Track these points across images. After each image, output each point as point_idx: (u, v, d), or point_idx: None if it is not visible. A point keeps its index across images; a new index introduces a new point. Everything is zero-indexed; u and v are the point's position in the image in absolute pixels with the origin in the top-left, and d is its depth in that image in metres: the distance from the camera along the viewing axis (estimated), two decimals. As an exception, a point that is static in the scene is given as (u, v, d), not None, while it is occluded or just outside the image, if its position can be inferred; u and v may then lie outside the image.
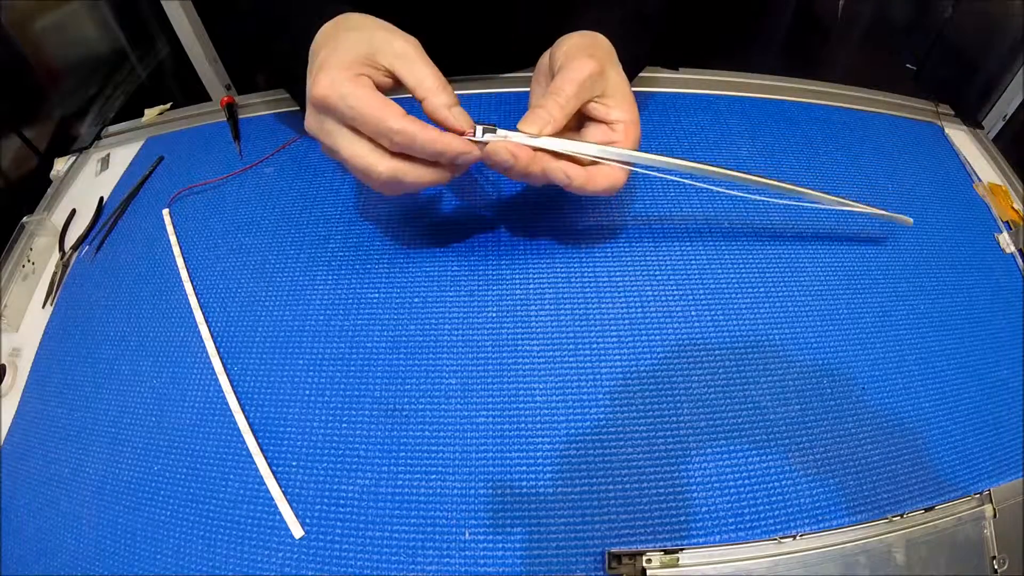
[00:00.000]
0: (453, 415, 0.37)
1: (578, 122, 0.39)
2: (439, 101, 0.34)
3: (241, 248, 0.46)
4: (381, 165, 0.34)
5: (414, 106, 0.35)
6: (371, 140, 0.34)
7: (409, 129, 0.32)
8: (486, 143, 0.34)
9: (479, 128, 0.35)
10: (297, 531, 0.33)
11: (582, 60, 0.36)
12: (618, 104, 0.37)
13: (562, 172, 0.35)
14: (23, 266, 0.48)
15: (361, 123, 0.33)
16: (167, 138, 0.57)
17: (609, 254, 0.43)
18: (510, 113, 0.53)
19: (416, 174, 0.34)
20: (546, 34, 0.41)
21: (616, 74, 0.38)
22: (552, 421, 0.36)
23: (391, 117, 0.32)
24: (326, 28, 0.38)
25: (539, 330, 0.40)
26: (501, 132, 0.35)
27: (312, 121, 0.35)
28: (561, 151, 0.35)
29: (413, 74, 0.34)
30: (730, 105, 0.55)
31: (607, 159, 0.36)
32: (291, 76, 0.45)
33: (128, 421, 0.39)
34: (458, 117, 0.34)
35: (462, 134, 0.34)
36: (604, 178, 0.36)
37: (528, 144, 0.34)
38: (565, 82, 0.36)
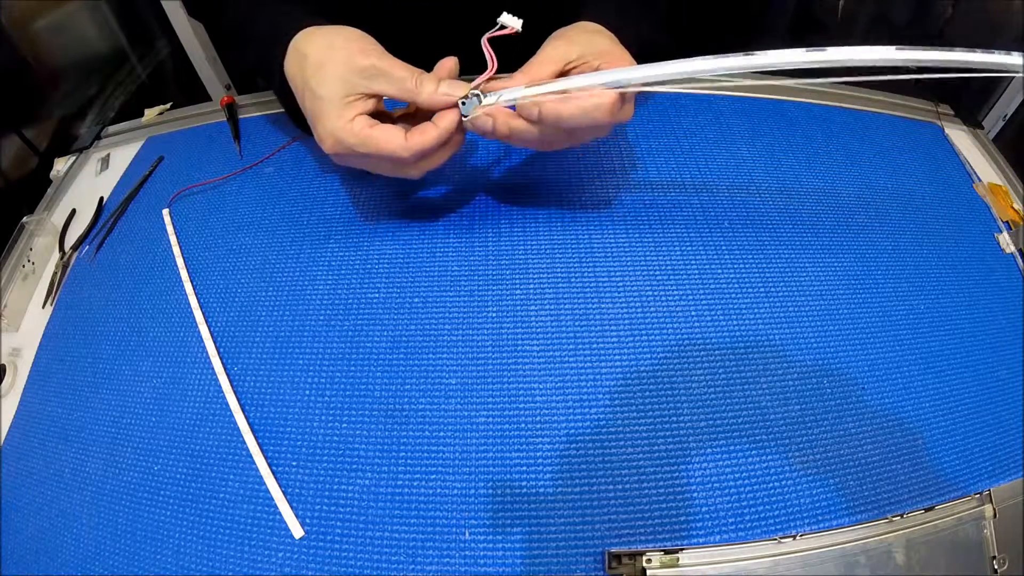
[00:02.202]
0: (453, 415, 0.37)
1: None
2: (427, 91, 0.36)
3: (241, 248, 0.46)
4: (412, 171, 0.39)
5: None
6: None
7: (416, 145, 0.36)
8: (467, 97, 0.36)
9: (480, 95, 0.37)
10: (297, 531, 0.33)
11: (546, 43, 0.39)
12: (592, 55, 0.38)
13: (533, 104, 0.36)
14: (23, 266, 0.48)
15: (378, 158, 0.37)
16: (167, 138, 0.57)
17: (609, 254, 0.43)
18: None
19: (439, 158, 0.39)
20: (545, 33, 0.41)
21: (586, 35, 0.39)
22: (552, 421, 0.36)
23: (398, 148, 0.36)
24: (291, 63, 0.39)
25: (539, 330, 0.40)
26: (490, 97, 0.37)
27: (337, 160, 0.39)
28: (543, 93, 0.36)
29: (391, 85, 0.37)
30: (730, 105, 0.55)
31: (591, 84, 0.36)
32: (268, 82, 0.46)
33: (128, 421, 0.39)
34: (450, 90, 0.37)
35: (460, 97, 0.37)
36: (581, 97, 0.35)
37: (512, 100, 0.36)
38: (533, 58, 0.38)
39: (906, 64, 0.31)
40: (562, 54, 0.38)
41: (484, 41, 0.36)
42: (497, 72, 0.36)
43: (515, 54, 0.50)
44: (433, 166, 0.39)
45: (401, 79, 0.36)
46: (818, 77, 0.59)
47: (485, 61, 0.36)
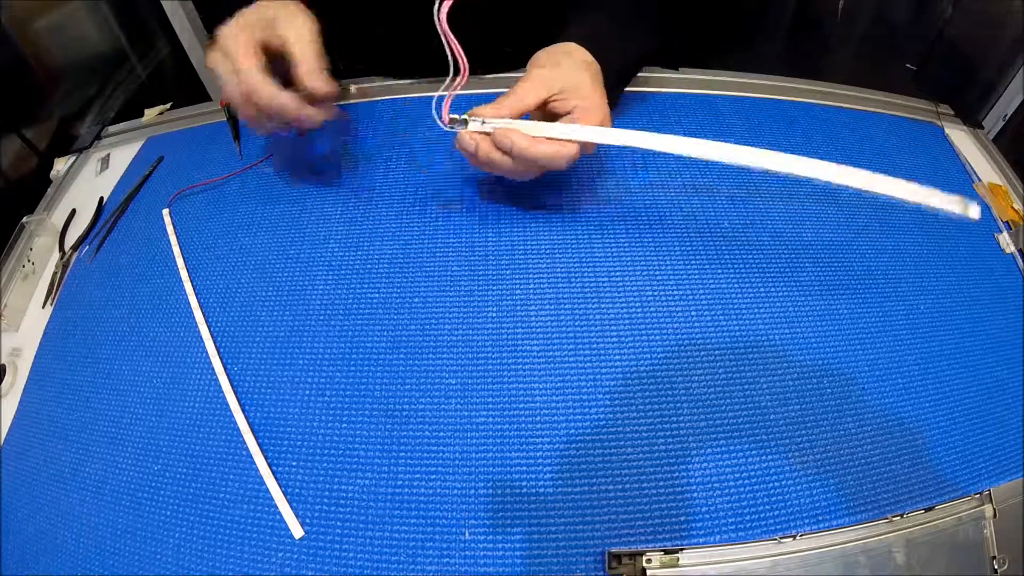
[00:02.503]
0: (453, 415, 0.37)
1: None
2: (307, 68, 0.40)
3: (241, 248, 0.46)
4: (242, 107, 0.41)
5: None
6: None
7: (253, 80, 0.39)
8: (459, 121, 0.40)
9: (468, 120, 0.40)
10: (297, 531, 0.33)
11: (530, 69, 0.42)
12: (572, 94, 0.41)
13: (508, 138, 0.39)
14: (23, 266, 0.48)
15: (226, 56, 0.40)
16: (167, 138, 0.57)
17: (609, 254, 0.43)
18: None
19: (260, 118, 0.42)
20: (532, 37, 0.42)
21: (571, 67, 0.42)
22: (552, 421, 0.36)
23: (242, 60, 0.39)
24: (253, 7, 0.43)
25: (539, 330, 0.40)
26: (490, 123, 0.39)
27: (210, 60, 0.42)
28: (520, 129, 0.39)
29: (299, 48, 0.41)
30: (730, 105, 0.55)
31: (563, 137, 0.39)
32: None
33: (128, 421, 0.39)
34: (323, 81, 0.41)
35: (327, 94, 0.41)
36: (548, 144, 0.39)
37: (493, 129, 0.39)
38: (520, 84, 0.41)
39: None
40: (547, 83, 0.40)
41: (444, 27, 0.34)
42: (468, 75, 0.37)
43: (503, 57, 0.50)
44: (253, 118, 0.42)
45: (309, 49, 0.41)
46: (818, 78, 0.59)
47: (473, 64, 0.36)
